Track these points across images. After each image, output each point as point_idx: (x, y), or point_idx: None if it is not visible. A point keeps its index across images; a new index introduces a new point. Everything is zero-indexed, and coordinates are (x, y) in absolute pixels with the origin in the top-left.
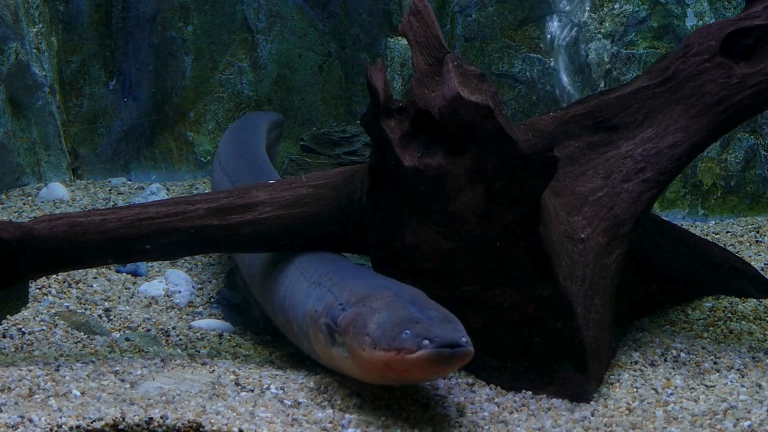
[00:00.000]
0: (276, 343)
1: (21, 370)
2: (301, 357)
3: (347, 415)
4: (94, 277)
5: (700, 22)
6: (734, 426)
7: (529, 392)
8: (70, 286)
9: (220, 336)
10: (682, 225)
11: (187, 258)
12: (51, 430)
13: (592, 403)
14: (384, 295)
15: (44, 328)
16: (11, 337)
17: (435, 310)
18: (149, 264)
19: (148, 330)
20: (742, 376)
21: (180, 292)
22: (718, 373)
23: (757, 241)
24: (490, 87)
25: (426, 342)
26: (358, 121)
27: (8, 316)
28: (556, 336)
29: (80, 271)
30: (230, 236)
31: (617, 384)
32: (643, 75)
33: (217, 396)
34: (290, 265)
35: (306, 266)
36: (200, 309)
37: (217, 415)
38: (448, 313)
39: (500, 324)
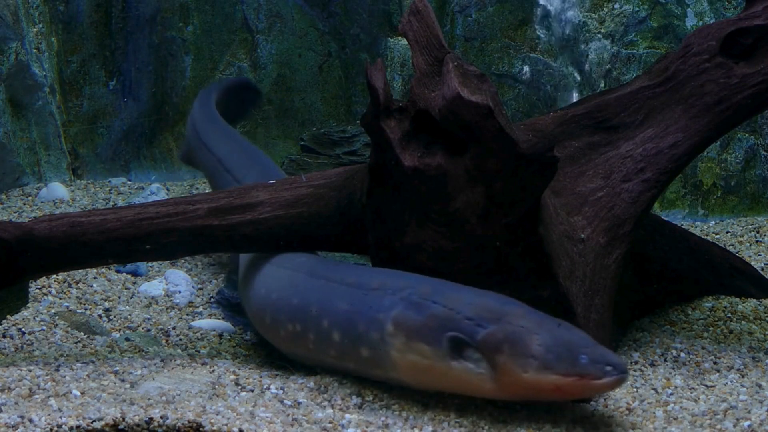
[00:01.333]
0: None
1: (21, 370)
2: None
3: (347, 415)
4: (94, 277)
5: (700, 22)
6: (734, 426)
7: None
8: (70, 286)
9: (220, 336)
10: (682, 225)
11: (187, 258)
12: (51, 430)
13: (592, 403)
14: (519, 312)
15: (44, 328)
16: (11, 337)
17: (578, 330)
18: (149, 264)
19: (148, 330)
20: (742, 376)
21: (180, 292)
22: (718, 373)
23: (757, 241)
24: (490, 87)
25: (609, 368)
26: (358, 121)
27: (8, 316)
28: None
29: (80, 271)
30: (230, 236)
31: None
32: (643, 75)
33: (217, 396)
34: (295, 272)
35: (331, 271)
36: (200, 309)
37: (217, 415)
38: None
39: None
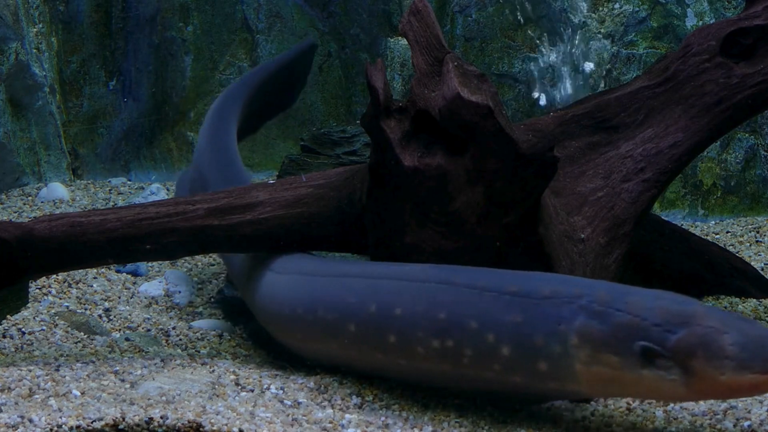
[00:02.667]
0: (276, 343)
1: (21, 370)
2: (298, 357)
3: (347, 415)
4: (94, 277)
5: (700, 22)
6: (734, 426)
7: None
8: (70, 286)
9: (220, 336)
10: (682, 225)
11: (187, 258)
12: (51, 430)
13: (592, 403)
14: (703, 312)
15: (44, 328)
16: (11, 337)
17: (758, 324)
18: (149, 264)
19: (148, 330)
20: None
21: (180, 292)
22: None
23: (757, 241)
24: (490, 87)
25: None
26: (358, 121)
27: (8, 316)
28: None
29: (80, 271)
30: (230, 236)
31: None
32: (643, 75)
33: (217, 396)
34: (431, 284)
35: (483, 280)
36: (200, 309)
37: (217, 415)
38: None
39: None
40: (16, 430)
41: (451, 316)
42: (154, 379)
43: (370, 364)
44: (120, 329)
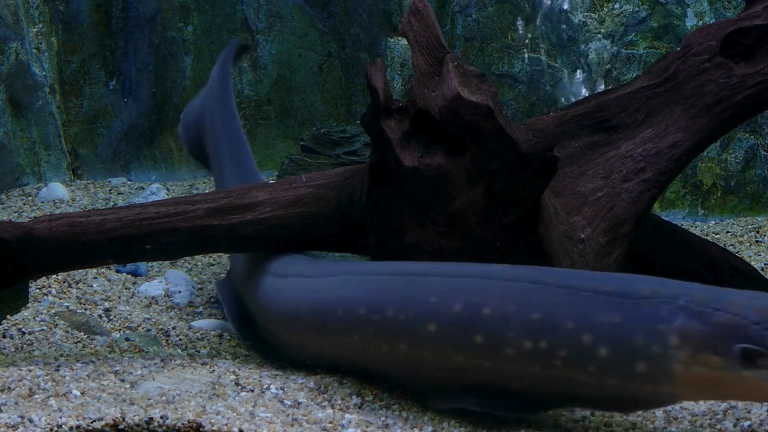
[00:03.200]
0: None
1: (21, 370)
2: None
3: (347, 415)
4: (94, 277)
5: (700, 22)
6: (734, 426)
7: None
8: (70, 286)
9: (220, 336)
10: (682, 225)
11: (187, 258)
12: (51, 430)
13: None
14: None
15: (44, 328)
16: (11, 337)
17: None
18: (149, 264)
19: (148, 330)
20: None
21: (180, 292)
22: None
23: (757, 241)
24: (490, 87)
25: None
26: (358, 121)
27: (8, 316)
28: None
29: (80, 271)
30: (230, 236)
31: None
32: (643, 75)
33: (217, 396)
34: (525, 283)
35: (575, 279)
36: (200, 309)
37: (217, 415)
38: None
39: None
40: (16, 430)
41: (546, 316)
42: (154, 379)
43: (446, 366)
44: (120, 329)
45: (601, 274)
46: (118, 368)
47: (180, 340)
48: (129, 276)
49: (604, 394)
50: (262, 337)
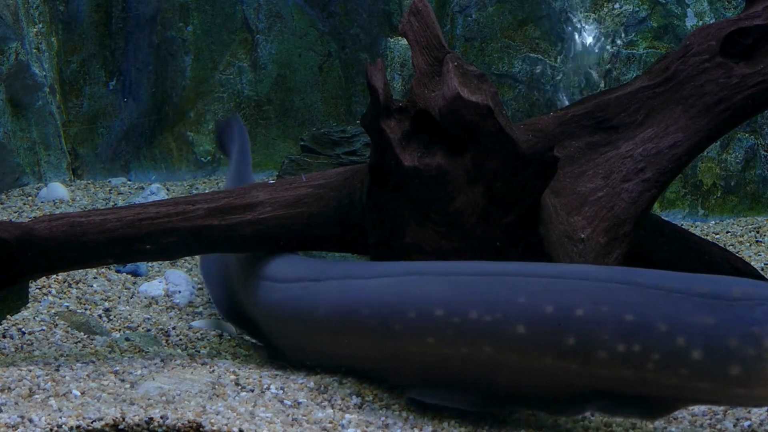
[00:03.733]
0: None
1: (21, 370)
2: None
3: (347, 415)
4: (94, 277)
5: (700, 22)
6: (734, 426)
7: None
8: (70, 286)
9: (220, 336)
10: (682, 225)
11: (187, 258)
12: (51, 430)
13: None
14: None
15: (44, 328)
16: (11, 337)
17: None
18: (149, 264)
19: (148, 330)
20: None
21: (180, 292)
22: None
23: (757, 241)
24: (490, 87)
25: None
26: (358, 121)
27: (8, 316)
28: None
29: (80, 271)
30: (230, 236)
31: None
32: (643, 75)
33: (217, 396)
34: (604, 283)
35: (653, 279)
36: (200, 309)
37: (217, 415)
38: None
39: None
40: (16, 430)
41: (639, 318)
42: (154, 379)
43: (533, 369)
44: (120, 329)
45: (691, 275)
46: (118, 368)
47: (180, 340)
48: (129, 276)
49: (695, 398)
50: (278, 343)
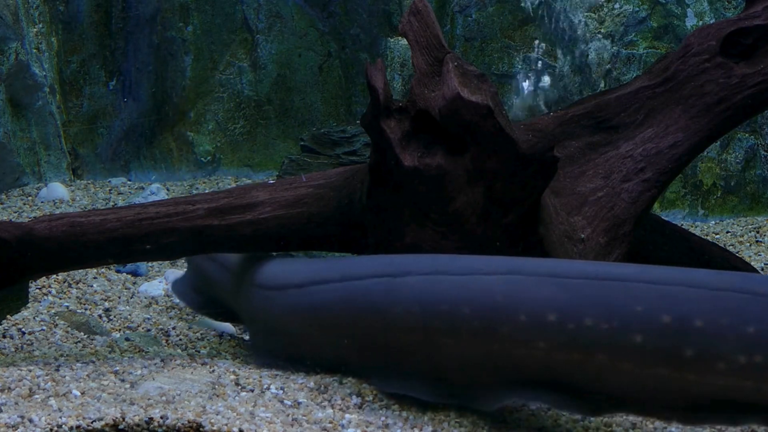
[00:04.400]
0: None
1: (21, 370)
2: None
3: (347, 415)
4: (94, 277)
5: (700, 22)
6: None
7: None
8: (70, 286)
9: (220, 336)
10: (682, 225)
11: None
12: (51, 430)
13: None
14: None
15: (44, 328)
16: (11, 337)
17: None
18: (149, 264)
19: (148, 330)
20: None
21: None
22: None
23: (757, 241)
24: (490, 87)
25: None
26: (358, 121)
27: (8, 316)
28: None
29: (80, 271)
30: (230, 236)
31: None
32: (643, 75)
33: (217, 396)
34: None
35: (740, 282)
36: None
37: (217, 415)
38: None
39: None
40: (16, 430)
41: (761, 329)
42: (154, 379)
43: (648, 377)
44: (120, 329)
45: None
46: (118, 368)
47: (180, 340)
48: (129, 276)
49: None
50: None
